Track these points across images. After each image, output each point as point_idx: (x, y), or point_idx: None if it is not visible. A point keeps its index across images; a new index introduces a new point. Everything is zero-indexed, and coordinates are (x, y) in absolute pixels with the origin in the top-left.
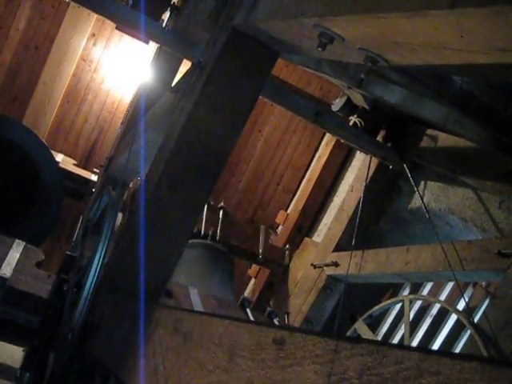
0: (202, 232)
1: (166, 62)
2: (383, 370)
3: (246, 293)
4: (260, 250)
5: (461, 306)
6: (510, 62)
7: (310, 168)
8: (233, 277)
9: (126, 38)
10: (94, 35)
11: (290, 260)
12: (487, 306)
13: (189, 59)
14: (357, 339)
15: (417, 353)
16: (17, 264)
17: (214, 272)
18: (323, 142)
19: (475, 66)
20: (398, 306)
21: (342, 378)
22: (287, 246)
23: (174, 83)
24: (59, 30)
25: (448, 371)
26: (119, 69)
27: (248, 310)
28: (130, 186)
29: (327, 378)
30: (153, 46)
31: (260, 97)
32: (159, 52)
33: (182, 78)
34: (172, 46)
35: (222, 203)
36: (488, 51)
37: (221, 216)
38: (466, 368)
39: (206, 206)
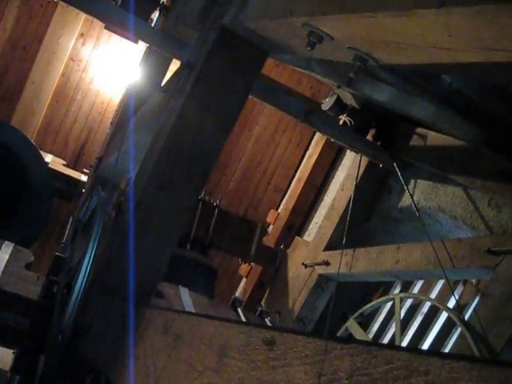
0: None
1: (156, 61)
2: (373, 370)
3: (238, 293)
4: (252, 248)
5: (451, 303)
6: (497, 60)
7: (301, 167)
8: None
9: (115, 38)
10: (82, 35)
11: (281, 259)
12: (477, 304)
13: (178, 59)
14: (346, 339)
15: (406, 353)
16: (6, 266)
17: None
18: (313, 141)
19: (463, 65)
20: (389, 305)
21: (332, 379)
22: (281, 246)
23: (163, 83)
24: (48, 30)
25: (437, 371)
26: (108, 68)
27: (239, 310)
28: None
29: (317, 379)
30: (142, 46)
31: (250, 96)
32: (148, 51)
33: (171, 77)
34: (161, 45)
35: (218, 201)
36: (475, 50)
37: (216, 214)
38: (455, 368)
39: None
